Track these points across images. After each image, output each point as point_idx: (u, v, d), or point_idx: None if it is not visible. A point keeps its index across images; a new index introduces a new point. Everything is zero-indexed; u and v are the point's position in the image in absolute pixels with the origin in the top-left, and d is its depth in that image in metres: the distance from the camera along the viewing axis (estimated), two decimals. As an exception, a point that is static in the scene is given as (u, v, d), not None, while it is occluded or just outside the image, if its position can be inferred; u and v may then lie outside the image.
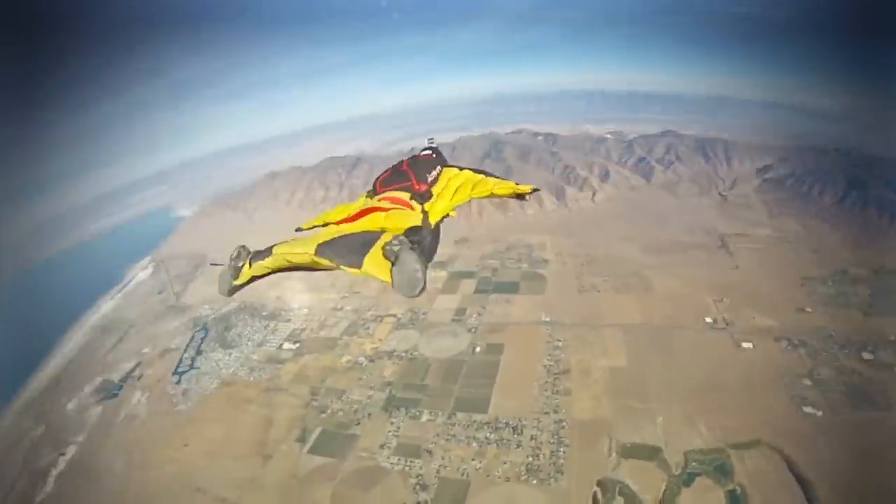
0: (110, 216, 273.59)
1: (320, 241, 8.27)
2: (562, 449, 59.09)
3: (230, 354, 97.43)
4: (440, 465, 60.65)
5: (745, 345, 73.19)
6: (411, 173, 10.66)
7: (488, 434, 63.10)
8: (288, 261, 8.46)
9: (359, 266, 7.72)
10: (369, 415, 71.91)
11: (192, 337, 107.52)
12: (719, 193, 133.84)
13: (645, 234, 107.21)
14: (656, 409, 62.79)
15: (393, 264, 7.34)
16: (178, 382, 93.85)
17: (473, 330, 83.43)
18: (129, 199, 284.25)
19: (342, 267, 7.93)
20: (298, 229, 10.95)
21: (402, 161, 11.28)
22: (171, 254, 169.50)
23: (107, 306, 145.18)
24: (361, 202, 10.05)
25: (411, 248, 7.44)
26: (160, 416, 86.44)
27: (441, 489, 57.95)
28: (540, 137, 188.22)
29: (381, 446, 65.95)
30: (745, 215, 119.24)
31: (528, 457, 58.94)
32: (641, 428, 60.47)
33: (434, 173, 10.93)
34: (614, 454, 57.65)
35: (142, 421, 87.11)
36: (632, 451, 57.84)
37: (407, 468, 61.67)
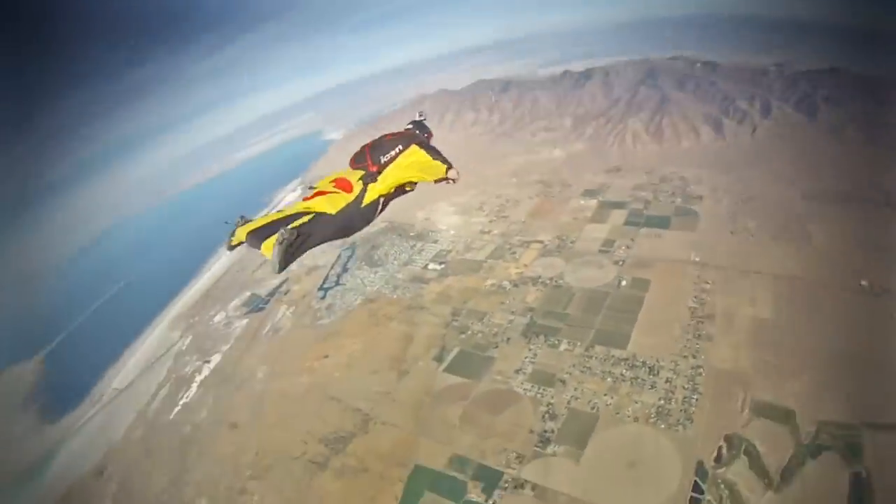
0: (260, 143, 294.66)
1: (250, 230, 11.72)
2: (695, 396, 59.04)
3: (375, 273, 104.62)
4: (571, 397, 62.79)
5: (899, 318, 67.20)
6: (368, 155, 12.94)
7: (624, 371, 64.07)
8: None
9: (259, 248, 11.44)
10: (508, 339, 75.11)
11: (339, 255, 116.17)
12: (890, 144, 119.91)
13: (806, 179, 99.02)
14: (796, 371, 60.56)
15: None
16: (323, 298, 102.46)
17: (620, 263, 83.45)
18: (278, 126, 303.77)
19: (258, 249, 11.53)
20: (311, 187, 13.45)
21: (373, 140, 13.65)
22: (319, 176, 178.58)
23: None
24: (332, 177, 12.84)
25: (280, 243, 10.55)
26: (303, 329, 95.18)
27: (569, 420, 60.16)
28: (698, 65, 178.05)
29: (517, 371, 69.09)
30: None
31: (659, 399, 59.38)
32: (778, 387, 58.90)
33: (392, 153, 12.94)
34: (747, 410, 56.92)
35: (285, 333, 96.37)
36: (764, 411, 56.75)
37: (539, 395, 64.39)
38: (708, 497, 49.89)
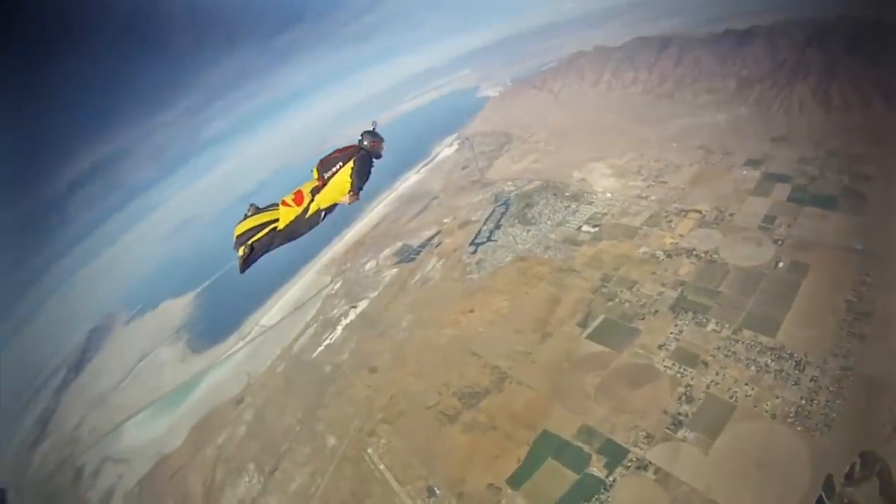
0: (422, 95, 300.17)
1: (240, 231, 14.99)
2: (838, 401, 53.75)
3: (528, 231, 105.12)
4: (712, 381, 60.10)
5: None
6: (317, 171, 15.42)
7: (769, 361, 60.01)
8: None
9: (236, 251, 14.68)
10: (655, 312, 72.86)
11: (493, 211, 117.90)
12: None
13: None
14: None
15: None
16: (474, 253, 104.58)
17: (780, 242, 77.24)
18: (437, 80, 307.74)
19: None
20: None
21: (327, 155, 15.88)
22: (476, 132, 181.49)
23: (414, 178, 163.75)
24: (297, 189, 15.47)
25: (240, 255, 14.51)
26: (452, 282, 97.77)
27: (705, 406, 57.72)
28: (870, 28, 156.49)
29: (660, 347, 67.11)
30: None
31: (801, 398, 54.81)
32: None
33: (334, 169, 15.27)
34: (889, 427, 50.63)
35: (433, 285, 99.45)
36: None
37: (679, 375, 62.24)
38: None
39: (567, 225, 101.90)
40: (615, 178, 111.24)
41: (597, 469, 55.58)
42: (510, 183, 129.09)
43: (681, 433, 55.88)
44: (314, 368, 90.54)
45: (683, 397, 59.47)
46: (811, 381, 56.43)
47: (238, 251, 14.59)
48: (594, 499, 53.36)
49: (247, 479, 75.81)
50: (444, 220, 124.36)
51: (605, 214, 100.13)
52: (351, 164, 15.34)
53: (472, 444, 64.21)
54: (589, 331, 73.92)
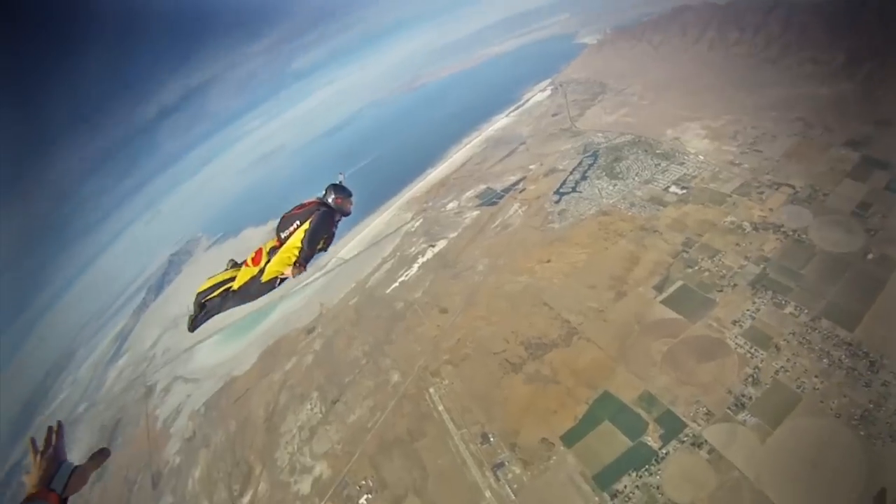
0: (516, 38, 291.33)
1: (200, 290, 14.60)
2: None
3: (614, 185, 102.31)
4: (781, 367, 57.51)
5: None
6: (277, 230, 13.96)
7: (843, 356, 56.42)
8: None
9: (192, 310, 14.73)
10: (734, 285, 69.87)
11: (581, 161, 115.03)
12: None
13: None
14: None
15: None
16: (557, 202, 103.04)
17: (872, 232, 71.23)
18: (533, 24, 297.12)
19: None
20: None
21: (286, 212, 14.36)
22: (570, 79, 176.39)
23: (502, 122, 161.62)
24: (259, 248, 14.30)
25: (191, 315, 14.67)
26: (531, 229, 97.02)
27: (771, 392, 55.45)
28: None
29: (734, 322, 64.53)
30: None
31: (870, 402, 51.25)
32: None
33: (290, 229, 13.66)
34: None
35: (513, 230, 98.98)
36: None
37: (749, 355, 59.92)
38: None
39: (655, 183, 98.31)
40: (709, 140, 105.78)
41: (651, 439, 55.11)
42: (601, 134, 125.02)
43: (741, 416, 54.30)
44: (386, 304, 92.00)
45: (750, 379, 57.50)
46: (882, 385, 52.80)
47: (192, 309, 14.56)
48: (644, 469, 53.05)
49: (309, 406, 78.75)
50: (531, 167, 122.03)
51: (694, 177, 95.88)
52: (306, 224, 13.35)
53: (532, 395, 64.55)
54: (664, 295, 72.08)
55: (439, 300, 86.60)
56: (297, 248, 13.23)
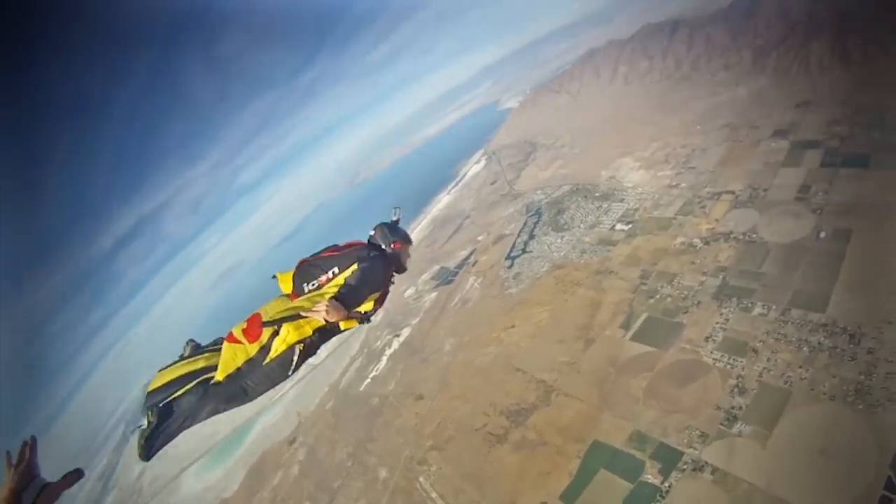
0: (445, 116, 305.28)
1: (152, 388, 8.78)
2: None
3: (562, 237, 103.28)
4: (764, 368, 56.80)
5: None
6: (293, 280, 9.61)
7: (822, 338, 56.17)
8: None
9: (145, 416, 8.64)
10: (698, 303, 69.86)
11: (525, 222, 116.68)
12: None
13: None
14: None
15: None
16: (510, 267, 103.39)
17: (818, 211, 73.09)
18: (460, 99, 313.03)
19: None
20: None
21: (308, 257, 10.03)
22: (501, 145, 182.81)
23: (445, 200, 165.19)
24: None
25: (144, 427, 8.36)
26: (490, 299, 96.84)
27: (759, 396, 54.57)
28: None
29: (706, 339, 63.96)
30: None
31: (860, 374, 50.78)
32: None
33: (321, 279, 9.42)
34: None
35: (473, 304, 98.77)
36: None
37: (728, 366, 59.12)
38: None
39: (600, 226, 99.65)
40: (643, 170, 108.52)
41: (651, 475, 53.18)
42: (540, 191, 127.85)
43: (736, 428, 52.96)
44: (362, 402, 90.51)
45: (735, 389, 56.42)
46: (868, 353, 52.45)
47: (143, 418, 8.56)
48: None
49: None
50: (479, 238, 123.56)
51: (637, 210, 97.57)
52: (353, 269, 9.37)
53: (522, 462, 62.63)
54: (632, 332, 71.44)
55: (413, 388, 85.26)
56: (338, 285, 9.03)
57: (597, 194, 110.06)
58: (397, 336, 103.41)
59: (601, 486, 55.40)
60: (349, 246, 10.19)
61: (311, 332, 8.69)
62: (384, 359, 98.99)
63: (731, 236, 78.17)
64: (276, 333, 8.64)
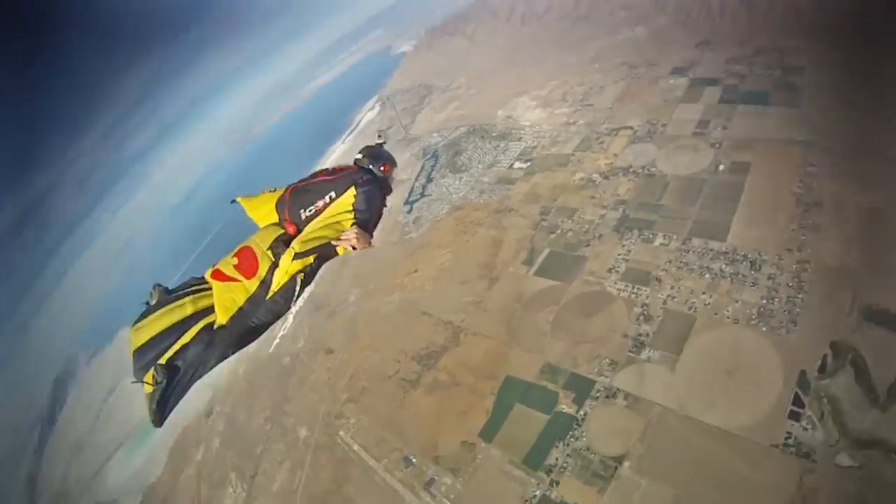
0: (336, 66, 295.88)
1: (138, 344, 8.28)
2: (800, 296, 52.42)
3: (460, 179, 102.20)
4: (668, 296, 58.48)
5: None
6: (287, 205, 9.85)
7: (723, 266, 58.66)
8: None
9: (142, 378, 8.06)
10: (600, 236, 70.83)
11: (423, 166, 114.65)
12: None
13: None
14: None
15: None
16: (409, 212, 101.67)
17: (717, 145, 75.69)
18: (350, 48, 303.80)
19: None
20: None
21: (299, 181, 10.34)
22: (396, 90, 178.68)
23: (340, 149, 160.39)
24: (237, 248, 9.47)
25: (155, 384, 7.68)
26: (392, 246, 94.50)
27: (665, 323, 56.17)
28: None
29: (609, 270, 65.15)
30: None
31: (762, 298, 53.59)
32: (893, 290, 50.23)
33: (318, 205, 9.99)
34: (856, 314, 49.30)
35: (375, 252, 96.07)
36: (875, 316, 48.61)
37: (633, 296, 60.49)
38: (808, 412, 44.84)
39: (499, 165, 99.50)
40: (540, 109, 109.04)
41: (566, 405, 53.91)
42: (436, 134, 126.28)
43: (644, 354, 54.26)
44: (273, 363, 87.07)
45: (641, 317, 57.70)
46: (769, 279, 55.06)
47: (145, 379, 7.90)
48: (569, 436, 51.66)
49: (230, 489, 72.52)
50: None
51: (535, 147, 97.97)
52: (353, 190, 10.22)
53: (438, 405, 62.16)
54: (535, 267, 71.86)
55: (322, 343, 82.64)
56: (350, 210, 9.69)
57: (494, 134, 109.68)
58: (300, 295, 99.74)
59: (518, 420, 55.71)
60: (341, 170, 10.89)
61: (312, 261, 9.10)
62: (290, 317, 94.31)
63: (630, 170, 79.26)
64: (275, 266, 9.06)
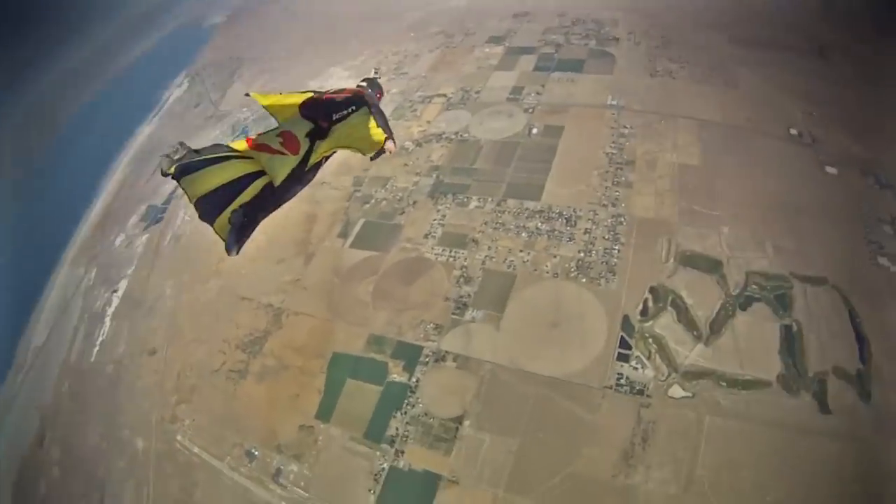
0: (141, 42, 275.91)
1: (198, 196, 11.01)
2: (616, 247, 56.90)
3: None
4: (486, 257, 60.55)
5: (829, 169, 63.60)
6: (322, 108, 12.63)
7: (539, 224, 61.54)
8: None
9: (211, 222, 11.21)
10: (414, 203, 71.75)
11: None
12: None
13: (736, 25, 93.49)
14: (723, 219, 58.40)
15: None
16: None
17: (531, 110, 78.78)
18: (154, 22, 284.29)
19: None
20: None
21: (326, 92, 13.09)
22: (205, 64, 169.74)
23: (146, 131, 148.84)
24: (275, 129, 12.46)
25: (233, 225, 10.99)
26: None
27: (485, 282, 58.18)
28: None
29: (426, 236, 66.26)
30: (852, 27, 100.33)
31: (579, 252, 57.29)
32: (704, 237, 56.82)
33: (344, 112, 12.74)
34: (672, 260, 54.93)
35: (186, 239, 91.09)
36: (690, 260, 54.80)
37: (451, 259, 61.99)
38: (636, 353, 48.88)
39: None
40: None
41: (397, 374, 54.42)
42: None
43: (468, 315, 55.76)
44: (97, 373, 79.49)
45: (461, 279, 59.30)
46: (585, 233, 58.73)
47: (219, 221, 11.24)
48: (405, 405, 52.25)
49: None
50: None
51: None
52: (367, 110, 13.09)
53: (269, 391, 60.80)
54: (351, 239, 71.73)
55: (144, 343, 77.11)
56: (369, 129, 12.61)
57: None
58: (115, 291, 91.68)
59: (352, 395, 55.54)
60: (355, 90, 13.67)
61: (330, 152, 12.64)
62: (107, 320, 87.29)
63: (444, 136, 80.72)
64: (311, 147, 12.23)
